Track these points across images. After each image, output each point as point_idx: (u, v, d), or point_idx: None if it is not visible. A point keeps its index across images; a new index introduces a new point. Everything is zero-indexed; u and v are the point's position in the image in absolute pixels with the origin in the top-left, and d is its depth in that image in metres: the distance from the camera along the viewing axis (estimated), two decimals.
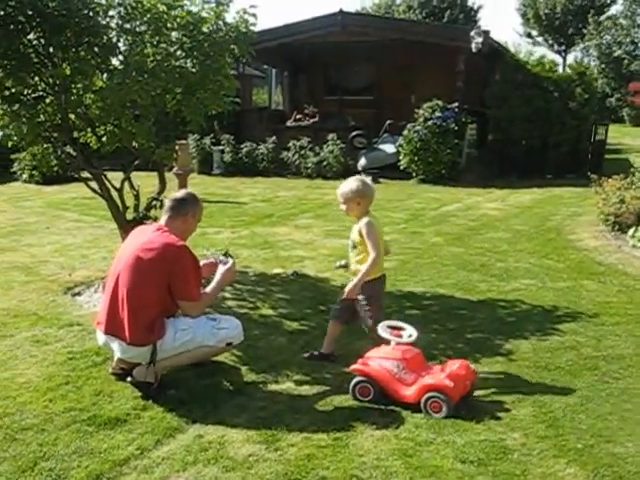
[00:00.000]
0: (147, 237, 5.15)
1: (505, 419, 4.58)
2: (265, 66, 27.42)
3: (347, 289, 5.36)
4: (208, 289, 5.34)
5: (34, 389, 5.05)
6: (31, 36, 6.12)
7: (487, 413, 4.65)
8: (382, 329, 5.08)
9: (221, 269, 5.45)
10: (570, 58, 49.71)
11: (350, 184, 5.39)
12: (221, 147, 19.24)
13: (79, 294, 7.43)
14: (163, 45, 6.73)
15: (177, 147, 13.93)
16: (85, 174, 7.58)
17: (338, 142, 17.98)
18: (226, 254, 5.55)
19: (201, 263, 5.38)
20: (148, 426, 4.50)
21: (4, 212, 13.54)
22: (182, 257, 5.01)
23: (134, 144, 7.28)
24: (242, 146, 19.01)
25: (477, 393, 4.93)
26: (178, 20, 6.71)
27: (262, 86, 33.67)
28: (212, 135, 19.38)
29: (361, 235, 5.35)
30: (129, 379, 5.08)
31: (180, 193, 5.41)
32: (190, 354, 5.11)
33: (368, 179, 5.50)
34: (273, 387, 5.17)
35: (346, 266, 8.59)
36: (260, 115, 22.09)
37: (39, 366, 5.48)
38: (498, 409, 4.72)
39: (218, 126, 19.58)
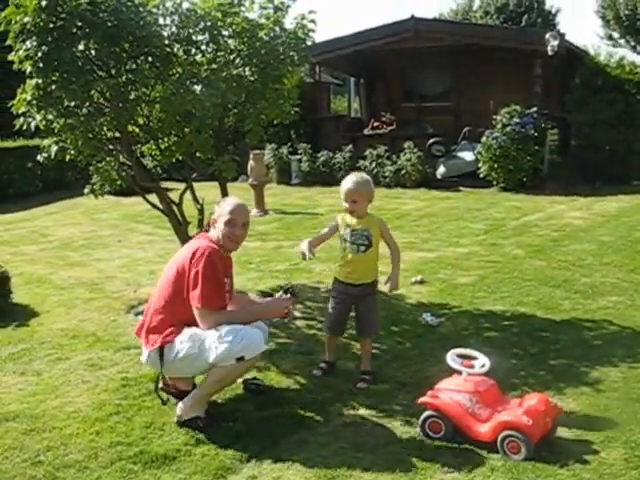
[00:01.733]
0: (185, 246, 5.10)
1: (593, 463, 4.09)
2: (344, 75, 27.26)
3: (393, 284, 5.45)
4: (240, 309, 5.07)
5: (82, 419, 4.79)
6: (81, 47, 5.89)
7: (572, 455, 4.16)
8: (451, 358, 4.66)
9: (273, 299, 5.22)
10: None
11: (363, 180, 5.35)
12: (298, 156, 18.98)
13: (142, 313, 7.17)
14: (221, 53, 6.49)
15: (251, 157, 14.00)
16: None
17: (415, 150, 17.51)
18: (287, 291, 5.17)
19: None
20: (198, 465, 4.18)
21: (79, 225, 13.56)
22: (199, 257, 4.65)
23: (197, 154, 7.09)
24: (319, 155, 18.69)
25: (561, 431, 4.45)
26: (233, 27, 6.46)
27: (343, 94, 33.52)
28: (289, 144, 19.16)
29: (381, 234, 5.40)
30: (175, 419, 4.72)
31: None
32: (215, 377, 4.61)
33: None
34: (338, 420, 4.79)
35: (422, 282, 8.30)
36: (337, 123, 21.81)
37: (90, 393, 5.24)
38: (585, 451, 4.23)
39: (294, 134, 19.36)
